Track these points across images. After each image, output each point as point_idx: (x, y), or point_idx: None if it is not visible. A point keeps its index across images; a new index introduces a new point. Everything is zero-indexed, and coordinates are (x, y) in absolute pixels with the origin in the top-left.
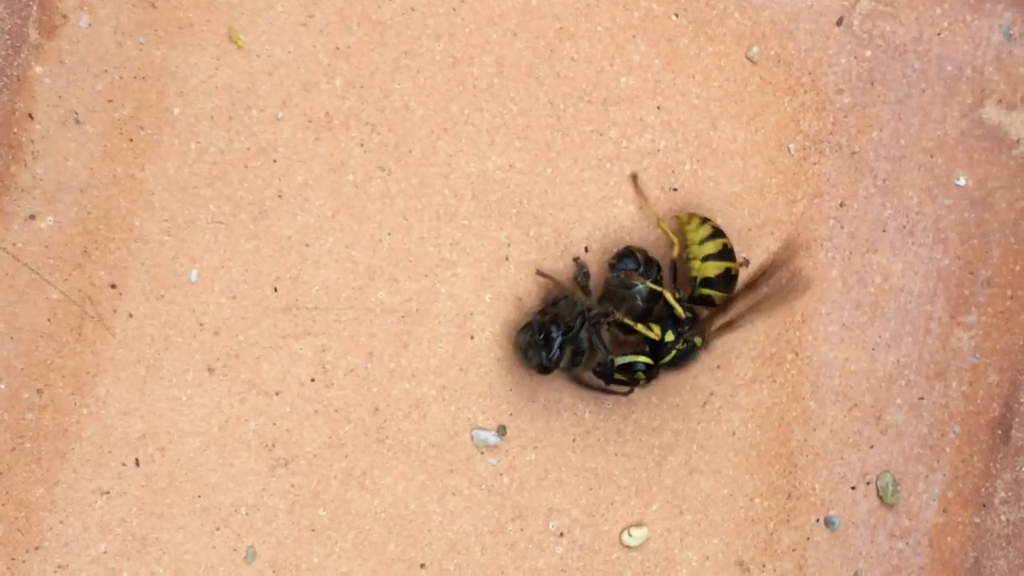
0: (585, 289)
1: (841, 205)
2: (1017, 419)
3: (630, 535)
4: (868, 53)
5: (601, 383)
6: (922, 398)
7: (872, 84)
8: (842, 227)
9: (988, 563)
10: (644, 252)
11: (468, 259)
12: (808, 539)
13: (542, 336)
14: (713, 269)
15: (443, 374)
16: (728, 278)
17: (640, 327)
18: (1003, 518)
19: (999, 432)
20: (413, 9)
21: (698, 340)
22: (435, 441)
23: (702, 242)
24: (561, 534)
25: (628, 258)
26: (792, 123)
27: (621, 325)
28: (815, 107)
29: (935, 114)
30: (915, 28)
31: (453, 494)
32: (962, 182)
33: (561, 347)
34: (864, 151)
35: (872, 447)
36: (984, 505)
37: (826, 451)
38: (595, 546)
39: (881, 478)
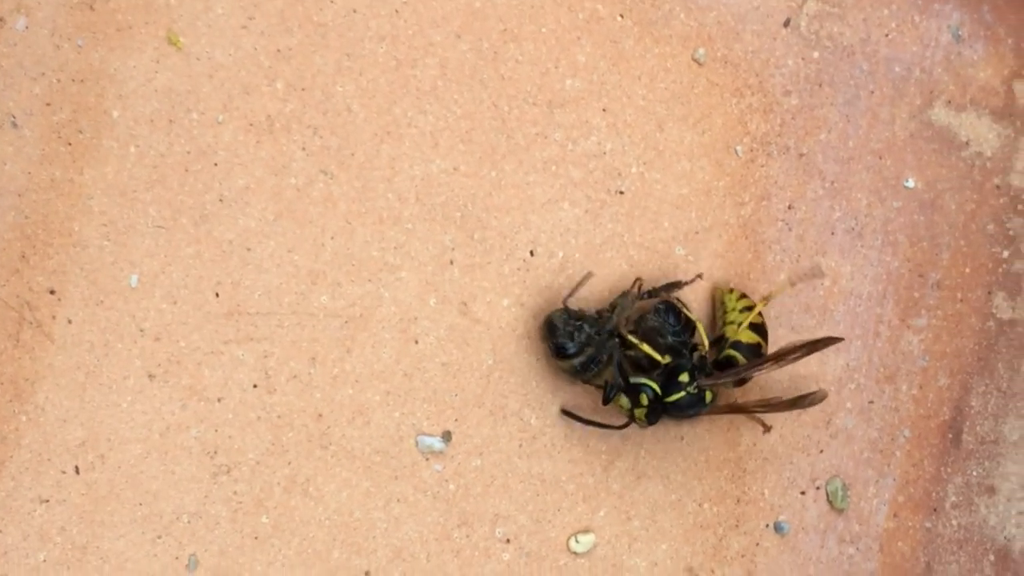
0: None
1: (789, 208)
2: (968, 423)
3: (577, 541)
4: (816, 54)
5: (593, 418)
6: (872, 402)
7: (820, 86)
8: (790, 230)
9: (939, 568)
10: (682, 310)
11: (412, 263)
12: (757, 545)
13: (573, 325)
14: (747, 336)
15: (387, 379)
16: (757, 351)
17: (653, 351)
18: (954, 522)
19: (950, 436)
20: (355, 11)
21: (709, 395)
22: (379, 447)
23: (742, 310)
24: (508, 541)
25: (670, 312)
26: (739, 125)
27: (638, 355)
28: (762, 109)
29: (884, 116)
30: (863, 29)
31: (398, 500)
32: (911, 184)
33: (585, 343)
34: (812, 153)
35: (822, 452)
36: (935, 510)
37: (775, 456)
38: (542, 552)
39: (831, 483)
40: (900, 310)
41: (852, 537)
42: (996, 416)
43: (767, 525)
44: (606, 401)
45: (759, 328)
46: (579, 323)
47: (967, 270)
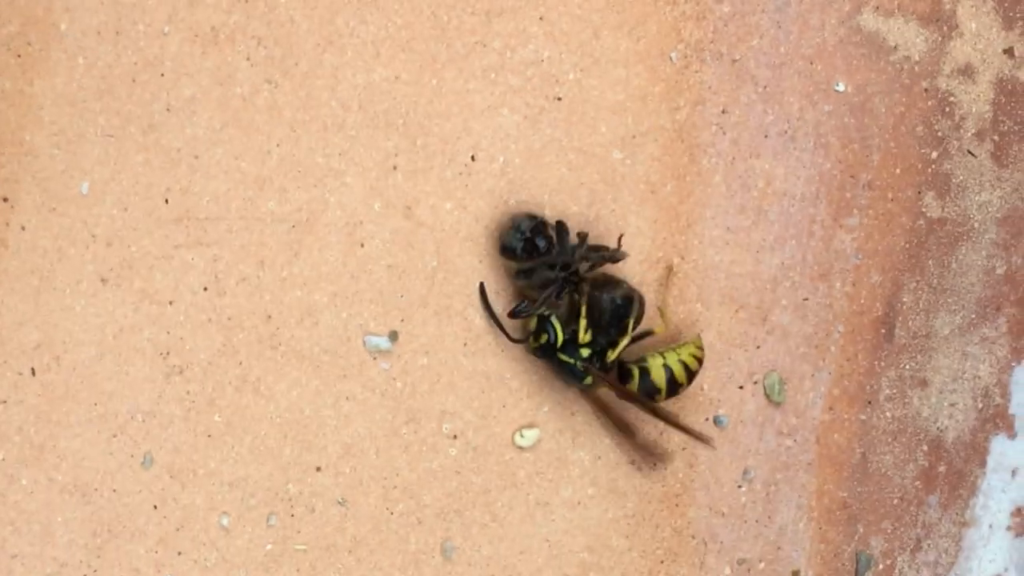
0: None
1: (723, 112)
2: (900, 318)
3: (522, 436)
4: None
5: (500, 321)
6: (806, 299)
7: None
8: (725, 133)
9: (874, 458)
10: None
11: (356, 169)
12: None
13: (528, 236)
14: (658, 374)
15: (334, 281)
16: (671, 389)
17: (585, 325)
18: (888, 415)
19: (883, 331)
20: None
21: (589, 379)
22: (328, 347)
23: (689, 352)
24: (455, 436)
25: (628, 307)
26: (673, 32)
27: (571, 309)
28: (696, 16)
29: (814, 21)
30: None
31: (347, 399)
32: (841, 88)
33: (531, 256)
34: (744, 59)
35: (758, 347)
36: (869, 402)
37: (713, 352)
38: (488, 447)
39: (768, 377)
40: (833, 210)
41: (789, 429)
42: (927, 311)
43: (707, 419)
44: (513, 315)
45: (692, 374)
46: (534, 236)
47: (897, 171)
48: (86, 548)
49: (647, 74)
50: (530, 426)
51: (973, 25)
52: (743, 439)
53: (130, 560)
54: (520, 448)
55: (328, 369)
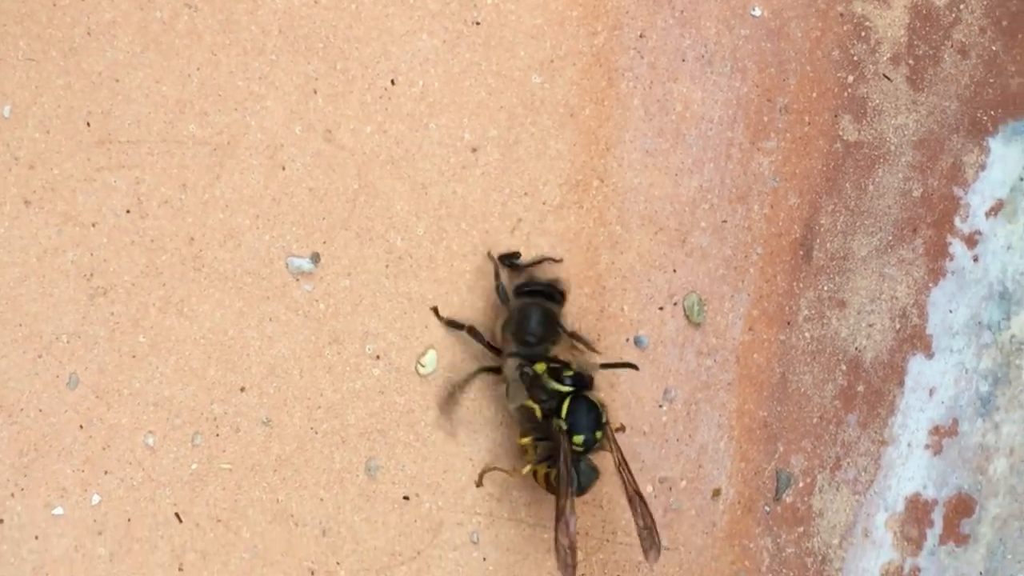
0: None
1: (641, 36)
2: (818, 240)
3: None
4: None
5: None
6: (725, 221)
7: None
8: (642, 57)
9: (793, 378)
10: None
11: (277, 92)
12: (619, 359)
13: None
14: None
15: (256, 204)
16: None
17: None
18: (807, 335)
19: (801, 253)
20: None
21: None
22: (251, 269)
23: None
24: (377, 357)
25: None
26: None
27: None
28: None
29: None
30: None
31: (270, 320)
32: (758, 13)
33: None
34: None
35: (677, 270)
36: (788, 323)
37: (633, 273)
38: (410, 368)
39: (687, 298)
40: (750, 133)
41: (709, 350)
42: (845, 233)
43: (627, 339)
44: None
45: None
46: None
47: (814, 95)
48: (13, 467)
49: None
50: (453, 347)
51: None
52: (663, 359)
53: (57, 479)
54: (443, 369)
55: (251, 291)
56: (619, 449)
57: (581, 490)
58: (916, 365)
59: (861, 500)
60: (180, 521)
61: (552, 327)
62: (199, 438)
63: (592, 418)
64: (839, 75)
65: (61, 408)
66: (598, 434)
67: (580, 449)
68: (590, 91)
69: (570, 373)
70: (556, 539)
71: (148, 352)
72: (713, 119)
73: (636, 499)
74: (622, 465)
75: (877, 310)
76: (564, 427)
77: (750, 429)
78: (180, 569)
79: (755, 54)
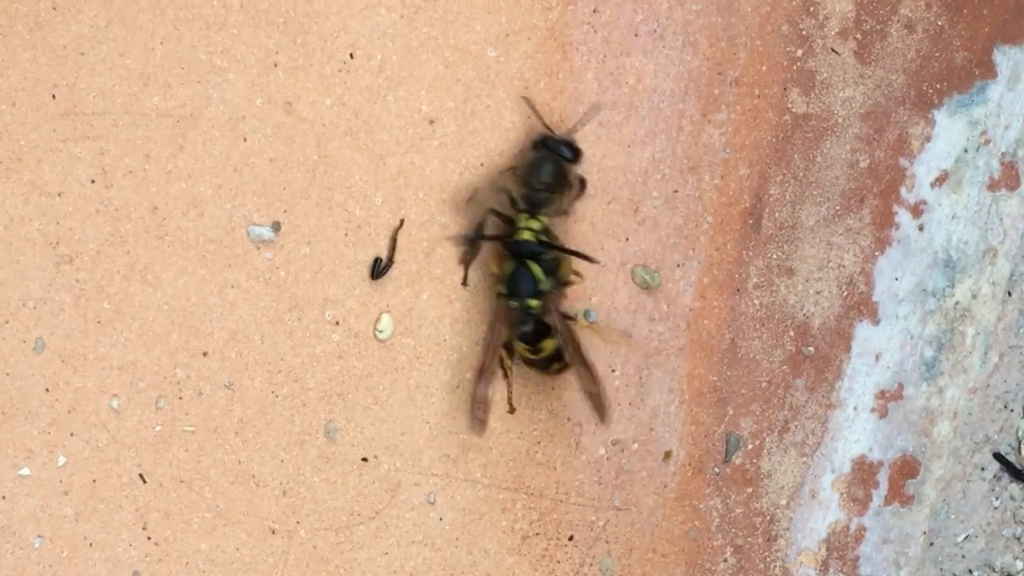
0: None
1: (594, 11)
2: (767, 209)
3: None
4: None
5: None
6: (676, 191)
7: None
8: (596, 32)
9: (743, 343)
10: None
11: (238, 66)
12: (574, 325)
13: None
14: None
15: (218, 174)
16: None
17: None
18: (756, 302)
19: (750, 222)
20: None
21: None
22: (213, 237)
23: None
24: (337, 323)
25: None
26: None
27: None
28: None
29: None
30: None
31: (232, 287)
32: None
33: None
34: None
35: (629, 238)
36: (738, 290)
37: (586, 242)
38: (369, 333)
39: (639, 267)
40: (701, 106)
41: (661, 316)
42: (793, 203)
43: (582, 309)
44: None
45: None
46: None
47: (763, 68)
48: None
49: None
50: (410, 312)
51: None
52: (616, 326)
53: (23, 441)
54: (400, 334)
55: (213, 258)
56: (574, 340)
57: (531, 346)
58: (862, 331)
59: (808, 462)
60: (144, 482)
61: (561, 180)
62: (162, 401)
63: (527, 288)
64: (788, 49)
65: (28, 372)
66: (531, 302)
67: (514, 307)
68: (544, 64)
69: (530, 236)
70: (473, 392)
71: (113, 318)
72: (665, 92)
73: (591, 393)
74: (575, 357)
75: (825, 278)
76: (504, 291)
77: (700, 393)
78: (144, 528)
79: (706, 28)
